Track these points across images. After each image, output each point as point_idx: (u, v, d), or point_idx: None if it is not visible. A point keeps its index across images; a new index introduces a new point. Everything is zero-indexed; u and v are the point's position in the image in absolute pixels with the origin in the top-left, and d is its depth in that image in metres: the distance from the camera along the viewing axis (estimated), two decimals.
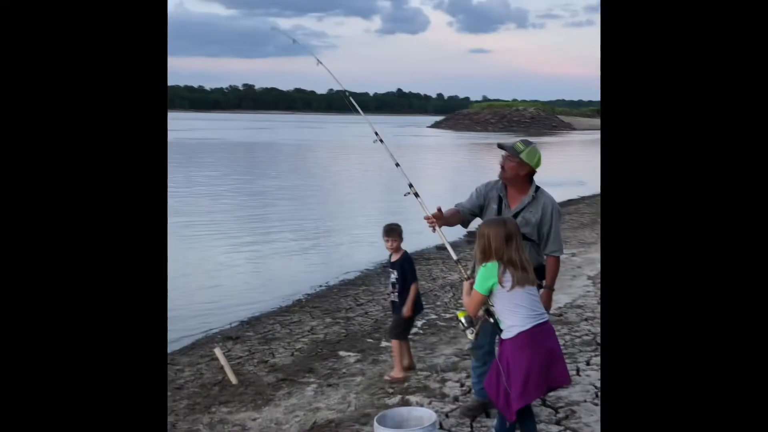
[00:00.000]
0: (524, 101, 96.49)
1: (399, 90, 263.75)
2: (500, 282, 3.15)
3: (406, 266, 5.10)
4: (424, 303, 7.80)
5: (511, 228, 3.23)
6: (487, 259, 3.21)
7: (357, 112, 4.65)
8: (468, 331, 3.46)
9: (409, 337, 6.40)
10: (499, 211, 3.91)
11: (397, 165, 4.18)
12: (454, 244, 12.27)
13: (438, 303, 7.75)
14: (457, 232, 13.61)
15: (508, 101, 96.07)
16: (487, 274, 3.19)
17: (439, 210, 3.86)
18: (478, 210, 4.02)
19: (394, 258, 5.16)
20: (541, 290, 3.80)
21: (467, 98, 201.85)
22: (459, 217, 3.99)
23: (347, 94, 4.66)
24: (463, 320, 3.44)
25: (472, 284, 3.38)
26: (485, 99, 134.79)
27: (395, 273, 5.11)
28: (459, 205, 4.05)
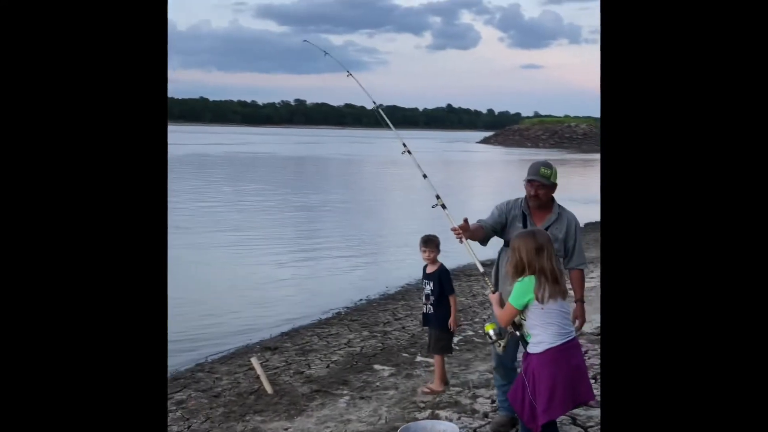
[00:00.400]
0: (576, 117, 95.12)
1: (449, 105, 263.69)
2: (537, 298, 3.17)
3: (443, 277, 5.11)
4: (462, 318, 7.80)
5: (541, 239, 3.23)
6: (521, 273, 3.22)
7: (388, 126, 4.76)
8: (496, 345, 3.50)
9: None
10: (525, 227, 3.94)
11: (425, 176, 4.24)
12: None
13: (476, 319, 7.72)
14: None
15: (559, 117, 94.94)
16: (523, 289, 3.20)
17: (466, 221, 3.88)
18: (500, 228, 4.03)
19: (430, 269, 5.17)
20: (573, 305, 3.84)
21: (518, 114, 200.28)
22: (482, 232, 4.00)
23: (378, 107, 4.77)
24: (491, 333, 3.49)
25: (499, 296, 3.42)
26: (536, 115, 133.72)
27: (431, 284, 5.13)
28: (481, 221, 4.06)
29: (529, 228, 3.81)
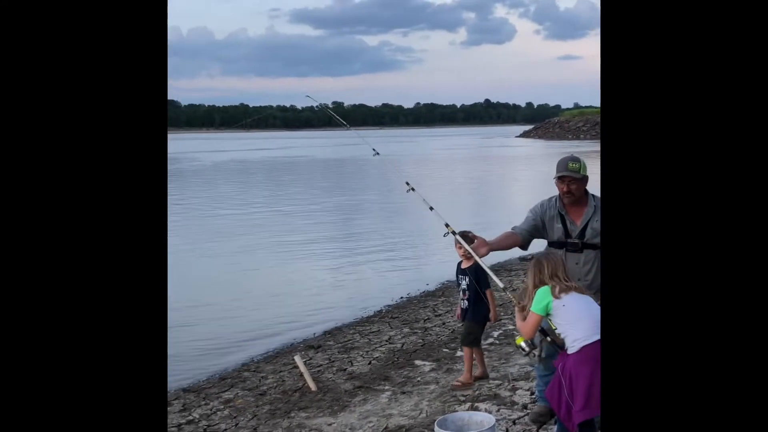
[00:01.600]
0: None
1: (487, 100, 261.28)
2: (554, 295, 3.29)
3: (479, 272, 5.14)
4: (502, 313, 7.82)
5: (551, 267, 3.40)
6: (539, 286, 3.39)
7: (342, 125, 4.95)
8: (531, 356, 3.60)
9: (484, 346, 6.45)
10: (566, 228, 3.88)
11: (431, 209, 4.24)
12: (509, 263, 11.94)
13: None
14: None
15: (600, 107, 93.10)
16: (542, 294, 3.33)
17: (472, 237, 3.93)
18: (536, 231, 4.00)
19: (465, 264, 5.24)
20: None
21: (558, 106, 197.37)
22: (515, 239, 3.97)
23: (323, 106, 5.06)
24: (523, 344, 3.50)
25: (522, 309, 3.50)
26: (576, 106, 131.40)
27: (466, 279, 5.20)
28: (516, 228, 4.03)
29: (570, 231, 3.85)
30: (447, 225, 4.14)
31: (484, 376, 5.29)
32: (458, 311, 5.48)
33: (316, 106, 5.34)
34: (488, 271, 4.11)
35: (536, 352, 3.53)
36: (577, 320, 3.23)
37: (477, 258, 3.88)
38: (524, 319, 3.46)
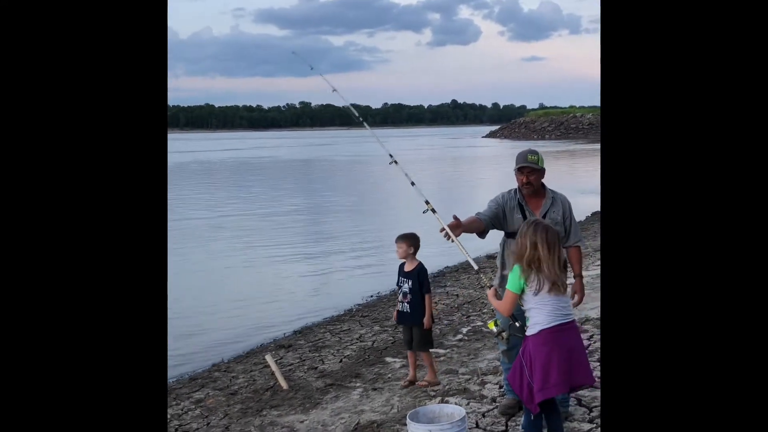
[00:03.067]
0: (582, 107, 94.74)
1: (453, 101, 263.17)
2: (530, 287, 3.29)
3: (422, 276, 5.12)
4: (470, 310, 7.94)
5: (552, 237, 3.30)
6: (521, 261, 3.32)
7: (362, 125, 5.01)
8: (500, 338, 3.69)
9: (453, 342, 6.55)
10: (524, 218, 4.02)
11: (413, 184, 4.33)
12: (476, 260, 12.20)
13: (485, 311, 7.86)
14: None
15: (564, 108, 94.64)
16: (519, 273, 3.32)
17: (456, 219, 4.00)
18: (497, 220, 4.14)
19: (408, 268, 5.17)
20: (573, 281, 3.98)
21: (523, 106, 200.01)
22: (479, 224, 4.10)
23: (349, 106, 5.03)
24: (494, 330, 3.62)
25: (495, 291, 3.57)
26: (542, 106, 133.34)
27: (409, 283, 5.13)
28: (479, 214, 4.16)
29: (535, 218, 3.91)
30: (427, 202, 4.22)
31: (414, 381, 5.30)
32: (395, 314, 5.34)
33: (343, 106, 5.30)
34: (466, 253, 4.10)
35: (504, 335, 3.59)
36: (542, 306, 3.30)
37: (454, 237, 3.92)
38: (497, 297, 3.53)
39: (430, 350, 5.32)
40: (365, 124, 5.24)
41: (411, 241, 5.20)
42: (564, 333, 3.30)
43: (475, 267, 4.05)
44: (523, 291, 3.33)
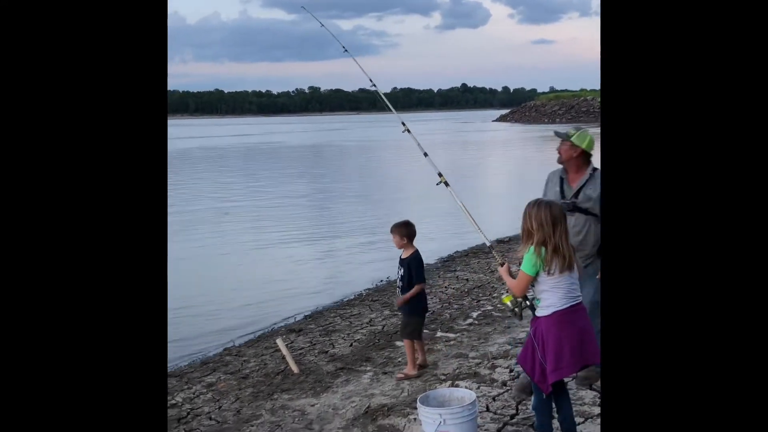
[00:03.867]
0: (593, 90, 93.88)
1: (463, 85, 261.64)
2: (547, 268, 3.24)
3: (412, 264, 5.11)
4: (480, 294, 7.93)
5: (556, 212, 3.27)
6: (530, 240, 3.29)
7: (389, 109, 4.99)
8: (514, 312, 3.59)
9: (464, 327, 6.55)
10: (561, 189, 4.24)
11: (426, 155, 4.37)
12: (517, 238, 12.25)
13: (494, 295, 7.85)
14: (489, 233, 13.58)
15: (575, 91, 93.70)
16: (534, 257, 3.27)
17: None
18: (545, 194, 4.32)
19: (404, 255, 5.20)
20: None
21: (534, 90, 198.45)
22: None
23: (374, 88, 4.99)
24: (509, 304, 3.57)
25: (508, 268, 3.53)
26: (552, 90, 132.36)
27: (401, 270, 5.17)
28: None
29: (564, 192, 3.98)
30: (440, 174, 4.26)
31: (424, 365, 5.28)
32: (398, 300, 5.34)
33: (371, 87, 5.25)
34: (480, 231, 4.05)
35: (517, 310, 3.56)
36: (556, 289, 3.29)
37: (468, 215, 3.95)
38: (510, 275, 3.50)
39: (417, 342, 5.24)
40: (391, 107, 5.23)
41: (404, 230, 5.18)
42: (575, 314, 3.30)
43: (488, 243, 4.06)
44: (537, 273, 3.30)
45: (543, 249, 3.25)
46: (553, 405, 3.46)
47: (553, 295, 3.30)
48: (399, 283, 5.24)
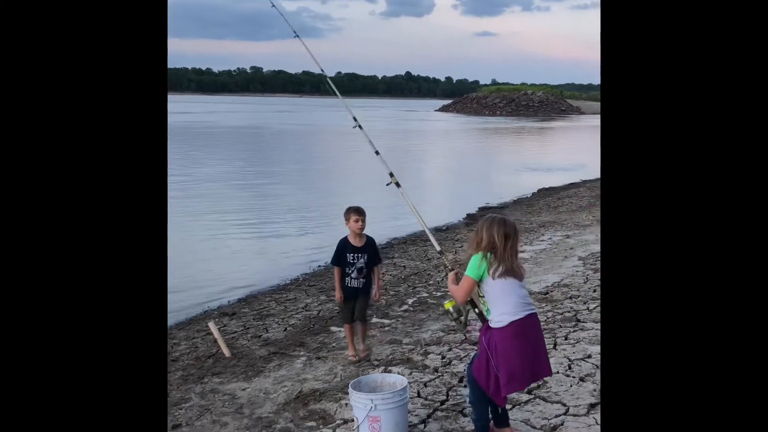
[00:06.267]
0: (533, 85, 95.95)
1: (407, 73, 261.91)
2: (489, 270, 3.23)
3: (376, 248, 5.09)
4: (416, 281, 8.01)
5: (509, 229, 3.27)
6: (478, 249, 3.28)
7: (334, 94, 4.87)
8: (458, 322, 3.57)
9: (398, 313, 6.61)
10: None
11: (377, 153, 4.30)
12: (453, 227, 12.46)
13: (430, 282, 7.94)
14: (458, 215, 13.74)
15: (516, 85, 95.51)
16: (479, 260, 3.26)
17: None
18: None
19: (360, 243, 5.01)
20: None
21: (476, 81, 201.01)
22: None
23: (325, 77, 4.86)
24: (451, 310, 3.54)
25: (456, 275, 3.48)
26: (494, 82, 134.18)
27: (364, 257, 4.99)
28: None
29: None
30: (391, 174, 4.15)
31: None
32: (339, 293, 5.05)
33: (324, 75, 5.09)
34: (429, 232, 4.06)
35: (462, 319, 3.53)
36: (507, 295, 3.24)
37: (421, 221, 3.88)
38: (457, 282, 3.44)
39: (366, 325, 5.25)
40: (337, 93, 5.08)
41: (365, 214, 5.02)
42: (531, 326, 3.26)
43: (438, 248, 4.00)
44: (481, 279, 3.26)
45: (489, 254, 3.24)
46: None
47: (505, 304, 3.23)
48: (361, 273, 4.98)
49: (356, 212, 4.98)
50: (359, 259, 4.98)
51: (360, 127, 4.49)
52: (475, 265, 3.26)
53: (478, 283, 3.29)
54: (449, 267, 3.70)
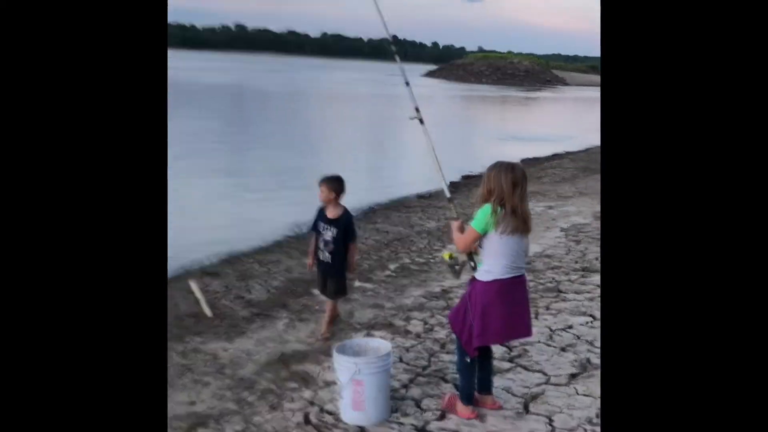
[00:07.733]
0: (519, 54, 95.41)
1: (394, 37, 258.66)
2: (497, 227, 3.19)
3: (349, 225, 4.74)
4: (399, 247, 8.02)
5: (518, 174, 3.22)
6: (487, 200, 3.24)
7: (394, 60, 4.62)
8: (452, 269, 3.58)
9: (381, 278, 6.62)
10: None
11: (407, 84, 4.11)
12: (437, 194, 12.45)
13: (413, 248, 7.96)
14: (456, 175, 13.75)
15: (503, 53, 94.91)
16: (487, 213, 3.21)
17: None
18: None
19: (333, 214, 4.74)
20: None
21: (463, 48, 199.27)
22: None
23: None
24: (448, 260, 3.55)
25: (461, 224, 3.46)
26: (481, 50, 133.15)
27: (333, 231, 4.71)
28: None
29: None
30: (417, 109, 3.97)
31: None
32: (311, 260, 4.91)
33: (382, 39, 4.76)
34: (442, 176, 3.87)
35: (458, 268, 3.53)
36: (501, 255, 3.23)
37: (437, 164, 3.78)
38: (462, 231, 3.42)
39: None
40: (397, 57, 4.68)
41: (333, 185, 4.72)
42: (514, 286, 3.28)
43: (448, 195, 3.86)
44: (486, 233, 3.24)
45: (500, 208, 3.19)
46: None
47: (497, 263, 3.23)
48: (327, 246, 4.72)
49: (320, 182, 4.78)
50: (327, 231, 4.74)
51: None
52: (482, 218, 3.23)
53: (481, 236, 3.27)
54: (455, 215, 3.60)
